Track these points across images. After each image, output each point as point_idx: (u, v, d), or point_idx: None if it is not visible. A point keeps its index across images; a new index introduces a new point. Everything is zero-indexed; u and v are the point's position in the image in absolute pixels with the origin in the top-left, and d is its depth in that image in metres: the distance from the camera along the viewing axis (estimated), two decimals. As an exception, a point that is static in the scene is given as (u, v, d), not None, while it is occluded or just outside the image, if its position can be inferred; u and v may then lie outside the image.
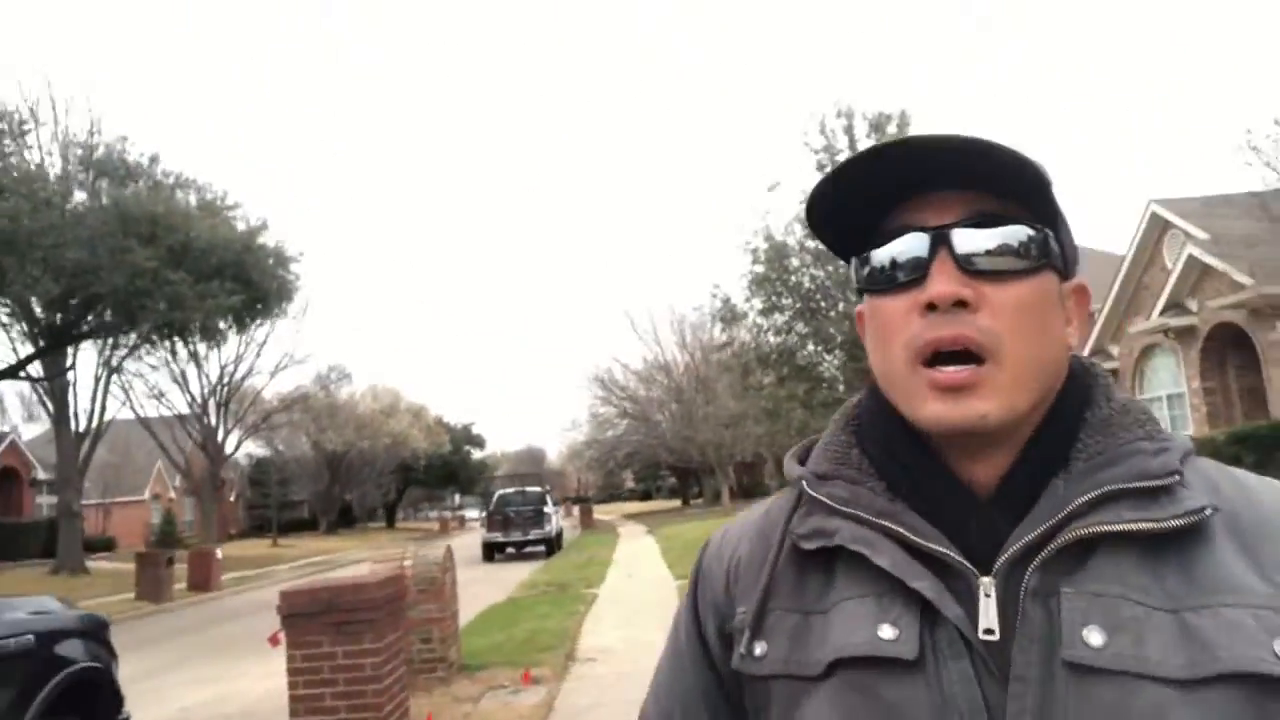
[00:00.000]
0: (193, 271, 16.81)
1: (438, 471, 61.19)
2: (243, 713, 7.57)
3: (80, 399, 25.15)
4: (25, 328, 19.73)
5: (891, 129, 22.12)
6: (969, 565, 0.71)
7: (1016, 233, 0.74)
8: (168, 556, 19.22)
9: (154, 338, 21.67)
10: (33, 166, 16.56)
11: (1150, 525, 0.69)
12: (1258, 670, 0.64)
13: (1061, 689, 0.66)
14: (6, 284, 14.50)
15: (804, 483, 0.82)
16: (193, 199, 19.58)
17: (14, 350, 19.39)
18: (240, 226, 20.01)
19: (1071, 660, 0.66)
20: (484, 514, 30.31)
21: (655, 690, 0.90)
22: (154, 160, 20.13)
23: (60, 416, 25.40)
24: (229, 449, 34.71)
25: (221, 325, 20.42)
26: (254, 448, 44.52)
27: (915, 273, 0.75)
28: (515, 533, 24.73)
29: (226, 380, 32.58)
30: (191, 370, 31.35)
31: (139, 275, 15.55)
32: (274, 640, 5.81)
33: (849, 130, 22.58)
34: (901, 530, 0.73)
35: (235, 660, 10.15)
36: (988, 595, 0.70)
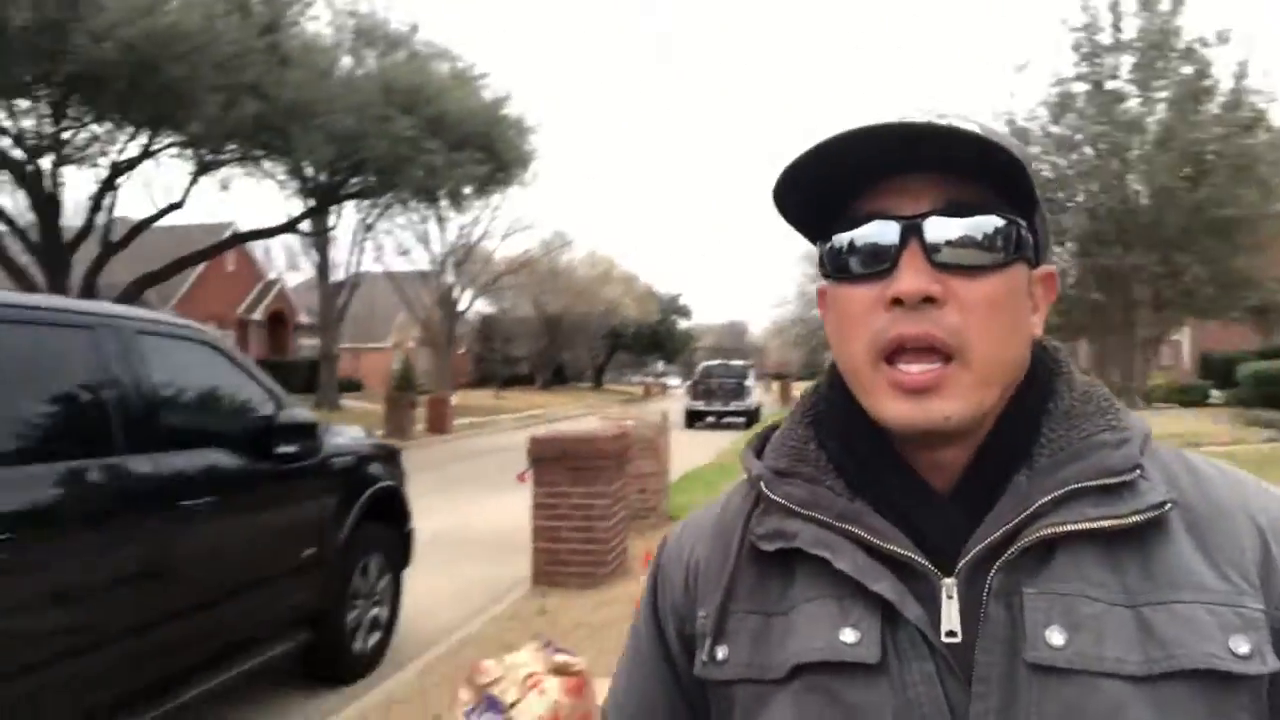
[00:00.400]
0: (446, 141, 18.20)
1: (644, 339, 63.39)
2: (485, 536, 8.80)
3: (339, 253, 28.05)
4: (298, 188, 22.06)
5: (1163, 5, 19.99)
6: (931, 567, 0.71)
7: (990, 224, 0.72)
8: (410, 400, 21.47)
9: (407, 201, 23.65)
10: (312, 36, 18.18)
11: (1112, 522, 0.69)
12: (1212, 667, 0.65)
13: (1024, 689, 0.67)
14: (291, 149, 16.37)
15: (762, 483, 0.80)
16: (445, 69, 20.90)
17: (287, 209, 21.83)
18: (487, 97, 21.28)
19: (1034, 661, 0.67)
20: (687, 383, 31.49)
21: (615, 694, 0.89)
22: (413, 30, 21.53)
23: (323, 268, 28.47)
24: (462, 306, 37.54)
25: (467, 192, 22.02)
26: (483, 306, 47.80)
27: (882, 263, 0.72)
28: (716, 403, 25.76)
29: (463, 241, 34.97)
30: (434, 231, 33.85)
31: (399, 143, 17.06)
32: (521, 478, 6.74)
33: (1115, 7, 20.60)
34: (862, 533, 0.73)
35: (472, 494, 11.57)
36: (950, 597, 0.70)
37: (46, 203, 17.19)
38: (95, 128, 16.69)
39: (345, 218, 28.22)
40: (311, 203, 21.84)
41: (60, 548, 3.02)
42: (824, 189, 0.75)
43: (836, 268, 0.76)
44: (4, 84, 14.27)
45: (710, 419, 25.95)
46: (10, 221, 17.51)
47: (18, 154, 16.57)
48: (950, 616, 0.70)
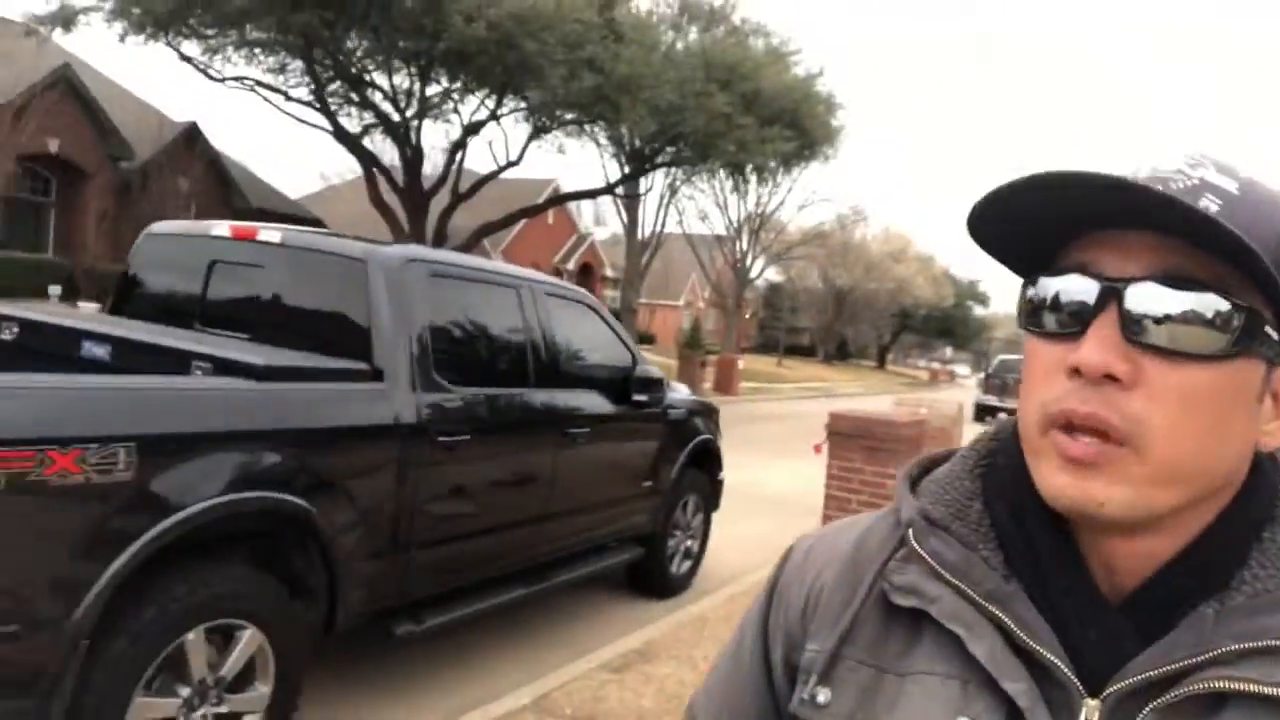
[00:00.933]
0: (758, 116, 18.95)
1: (935, 322, 61.31)
2: (774, 496, 9.51)
3: (644, 213, 29.86)
4: (617, 152, 23.77)
5: None
6: (1077, 682, 0.63)
7: (1212, 304, 0.60)
8: (700, 358, 22.62)
9: (715, 171, 24.75)
10: (642, 13, 19.53)
11: None
12: None
13: None
14: (619, 119, 17.81)
15: (911, 530, 0.73)
16: (761, 45, 21.60)
17: (605, 172, 23.55)
18: (799, 73, 21.77)
19: None
20: (979, 374, 30.32)
21: (709, 688, 0.85)
22: (732, 6, 22.41)
23: (631, 227, 30.38)
24: (753, 272, 38.46)
25: (772, 165, 22.73)
26: (772, 274, 48.53)
27: (1073, 325, 0.64)
28: (1010, 400, 24.80)
29: (759, 210, 35.75)
30: (733, 199, 34.91)
31: (715, 118, 18.00)
32: (818, 449, 7.32)
33: None
34: (1009, 621, 0.65)
35: (761, 456, 12.28)
36: None
37: (413, 153, 19.91)
38: (450, 87, 19.09)
39: (653, 180, 29.91)
40: (628, 168, 23.49)
41: (493, 450, 4.04)
42: (1038, 226, 0.66)
43: (1028, 316, 0.68)
44: (388, 51, 16.77)
45: (1003, 415, 25.01)
46: (383, 167, 20.45)
47: (388, 108, 19.33)
48: None
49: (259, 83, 18.60)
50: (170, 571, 2.70)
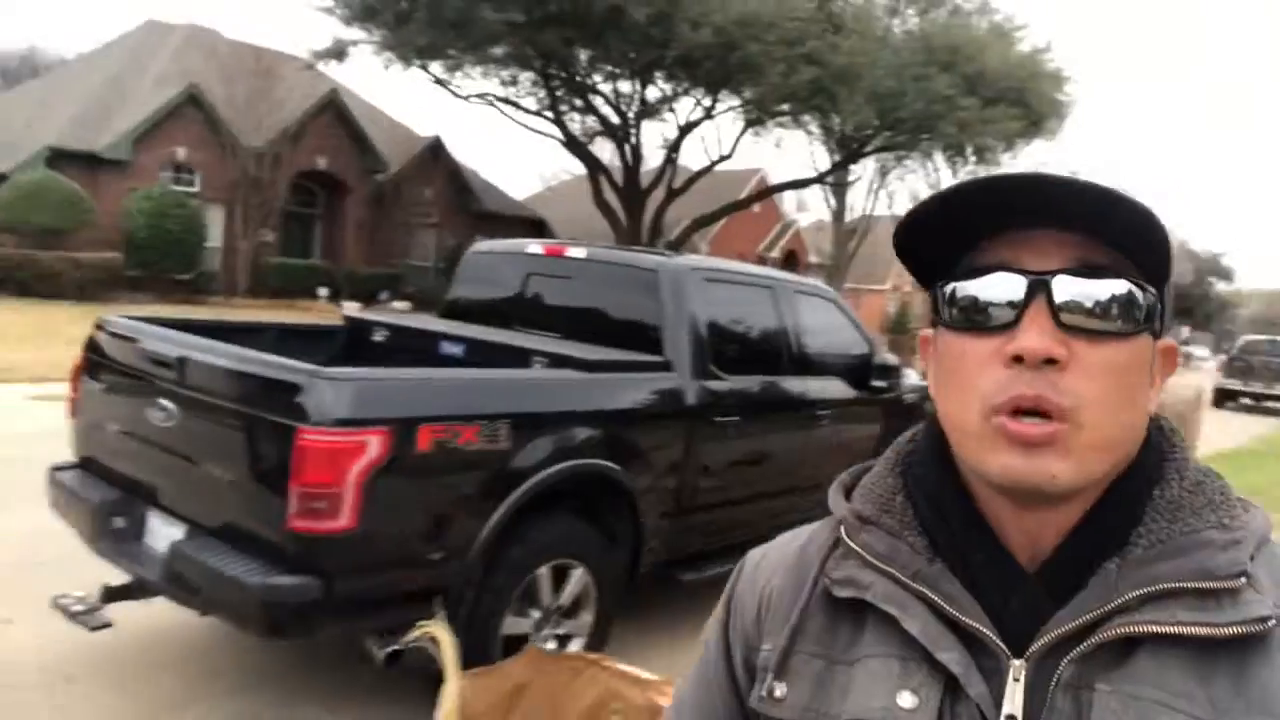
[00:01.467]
0: (980, 96, 18.57)
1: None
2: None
3: (853, 198, 29.68)
4: (827, 139, 23.87)
5: None
6: (1002, 645, 0.69)
7: (1122, 288, 0.69)
8: (910, 342, 22.45)
9: (931, 154, 24.34)
10: (862, 4, 19.56)
11: (1205, 631, 0.64)
12: None
13: None
14: (837, 110, 18.06)
15: (843, 527, 0.80)
16: (984, 24, 21.03)
17: (813, 160, 23.66)
18: (1024, 49, 21.03)
19: None
20: (1219, 356, 27.96)
21: (679, 703, 0.89)
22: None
23: (839, 213, 30.32)
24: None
25: (993, 144, 22.09)
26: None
27: (1005, 318, 0.69)
28: (1256, 383, 22.84)
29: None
30: (945, 177, 33.93)
31: (935, 101, 17.86)
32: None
33: None
34: (936, 598, 0.71)
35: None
36: (1016, 680, 0.68)
37: (632, 154, 20.98)
38: (669, 91, 19.94)
39: (862, 166, 29.66)
40: (839, 156, 23.56)
41: (755, 430, 4.66)
42: (947, 235, 0.73)
43: (953, 317, 0.73)
44: (616, 61, 17.83)
45: (1246, 400, 23.15)
46: (604, 169, 21.66)
47: (609, 113, 20.45)
48: (1014, 699, 0.68)
49: (497, 97, 20.25)
50: (528, 520, 3.48)
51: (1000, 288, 0.70)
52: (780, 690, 0.77)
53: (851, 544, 0.78)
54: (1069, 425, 0.68)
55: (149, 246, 19.16)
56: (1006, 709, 0.68)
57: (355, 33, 18.56)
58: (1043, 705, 0.67)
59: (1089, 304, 0.69)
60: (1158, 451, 0.76)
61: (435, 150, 26.02)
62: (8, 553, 4.58)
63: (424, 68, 18.97)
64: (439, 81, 19.66)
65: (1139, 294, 0.70)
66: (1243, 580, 0.66)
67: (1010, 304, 0.70)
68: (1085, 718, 0.65)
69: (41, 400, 8.50)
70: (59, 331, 12.30)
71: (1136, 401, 0.72)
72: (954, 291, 0.73)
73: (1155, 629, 0.66)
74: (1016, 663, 0.69)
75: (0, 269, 17.29)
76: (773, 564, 0.86)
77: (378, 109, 27.47)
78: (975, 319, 0.72)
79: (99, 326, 3.79)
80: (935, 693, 0.70)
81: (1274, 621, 0.65)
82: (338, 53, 19.14)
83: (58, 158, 19.54)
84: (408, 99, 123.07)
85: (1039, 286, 0.69)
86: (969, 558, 0.74)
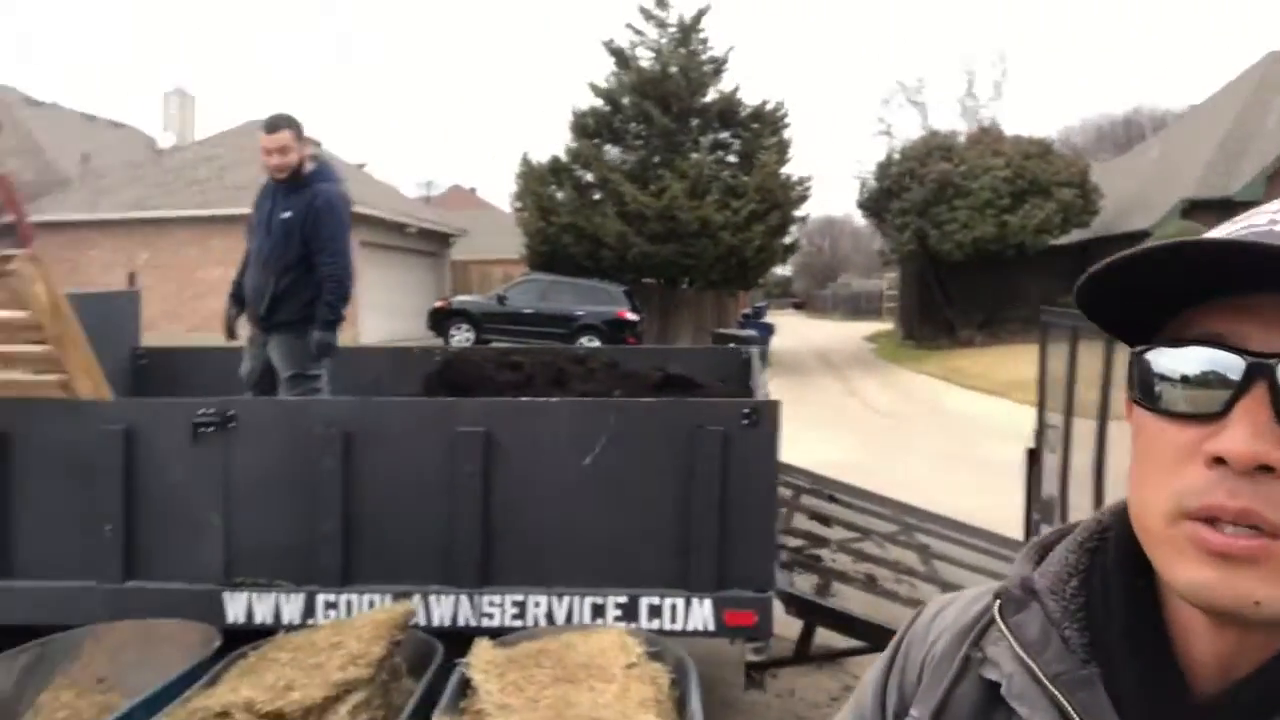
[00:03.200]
0: None
1: None
2: None
3: None
4: None
5: None
6: None
7: None
8: None
9: None
10: None
11: None
12: None
13: None
14: None
15: (999, 600, 0.70)
16: None
17: None
18: None
19: None
20: None
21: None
22: None
23: None
24: None
25: None
26: None
27: (1212, 406, 0.57)
28: None
29: None
30: None
31: None
32: None
33: None
34: (1070, 710, 0.62)
35: None
36: None
37: None
38: None
39: None
40: None
41: None
42: (1149, 287, 0.61)
43: (1147, 393, 0.61)
44: None
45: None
46: None
47: None
48: None
49: None
50: None
51: (1210, 367, 0.57)
52: None
53: (1001, 622, 0.69)
54: None
55: None
56: None
57: None
58: None
59: None
60: None
61: None
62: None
63: None
64: None
65: None
66: None
67: (1221, 389, 0.56)
68: None
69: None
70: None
71: None
72: (1150, 362, 0.61)
73: None
74: None
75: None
76: (946, 621, 0.77)
77: None
78: (1173, 402, 0.59)
79: None
80: None
81: None
82: None
83: (1192, 208, 20.66)
84: None
85: (1260, 371, 0.55)
86: (1131, 666, 0.62)
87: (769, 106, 23.89)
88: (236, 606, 3.01)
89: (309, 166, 4.19)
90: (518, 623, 2.91)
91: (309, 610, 2.99)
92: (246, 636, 2.87)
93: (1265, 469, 0.54)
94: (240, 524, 3.06)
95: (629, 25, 24.10)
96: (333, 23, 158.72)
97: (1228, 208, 20.72)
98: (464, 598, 2.94)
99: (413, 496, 2.98)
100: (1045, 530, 0.93)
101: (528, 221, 22.83)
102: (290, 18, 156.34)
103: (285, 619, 2.99)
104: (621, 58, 24.08)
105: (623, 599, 2.87)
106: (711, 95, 23.67)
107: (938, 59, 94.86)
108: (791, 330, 24.12)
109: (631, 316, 18.35)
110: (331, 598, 2.99)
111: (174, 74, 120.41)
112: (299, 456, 3.02)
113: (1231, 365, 0.57)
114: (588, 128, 23.71)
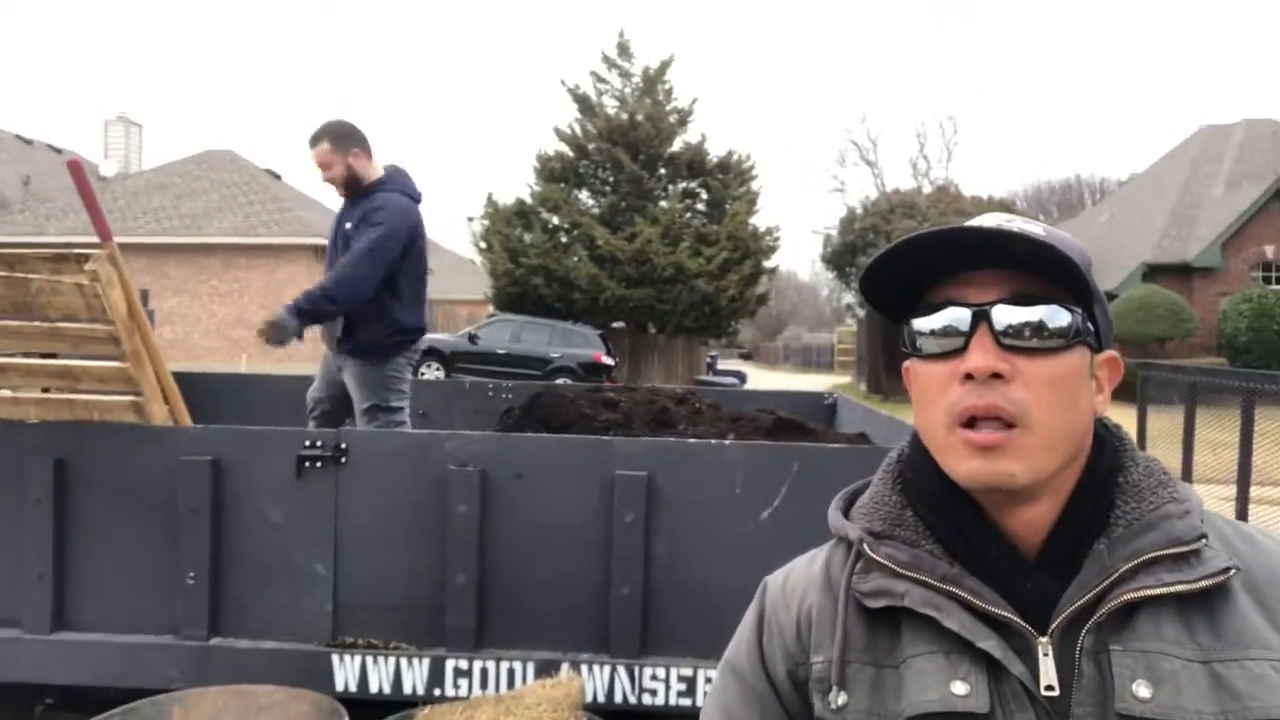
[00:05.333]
0: None
1: None
2: None
3: None
4: None
5: None
6: (1028, 627, 0.80)
7: (1051, 313, 0.82)
8: None
9: None
10: None
11: (1184, 587, 0.78)
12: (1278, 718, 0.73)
13: None
14: None
15: (864, 545, 0.88)
16: None
17: None
18: None
19: (1124, 712, 0.75)
20: None
21: (726, 708, 0.93)
22: None
23: None
24: None
25: None
26: None
27: (956, 344, 0.83)
28: None
29: None
30: None
31: None
32: None
33: None
34: (966, 595, 0.81)
35: None
36: (1046, 655, 0.79)
37: None
38: None
39: None
40: None
41: None
42: (908, 280, 0.88)
43: (917, 347, 0.87)
44: None
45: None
46: None
47: None
48: (1048, 672, 0.78)
49: None
50: None
51: (951, 319, 0.84)
52: (842, 699, 0.83)
53: (877, 557, 0.86)
54: (1020, 429, 0.80)
55: (1250, 350, 19.17)
56: (1044, 680, 0.78)
57: None
58: (1072, 672, 0.78)
59: (1023, 326, 0.82)
60: (1110, 444, 0.88)
61: None
62: None
63: None
64: None
65: (1067, 315, 0.83)
66: (1203, 541, 0.80)
67: (959, 332, 0.83)
68: (1108, 677, 0.76)
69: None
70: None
71: (1078, 405, 0.83)
72: (915, 326, 0.87)
73: (1149, 592, 0.78)
74: (1043, 640, 0.79)
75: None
76: (802, 583, 0.93)
77: None
78: (933, 347, 0.85)
79: None
80: (982, 677, 0.79)
81: (1234, 570, 0.79)
82: None
83: (1152, 271, 21.19)
84: None
85: (981, 315, 0.83)
86: (984, 556, 0.84)
87: (735, 157, 23.97)
88: (347, 671, 2.55)
89: (374, 173, 3.76)
90: (686, 701, 2.51)
91: (436, 678, 2.54)
92: (358, 708, 2.43)
93: (996, 376, 0.81)
94: (352, 575, 2.60)
95: (593, 73, 24.06)
96: (284, 55, 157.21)
97: (1185, 272, 21.46)
98: (621, 669, 2.53)
99: (561, 547, 2.58)
100: None
101: (495, 262, 22.39)
102: (247, 51, 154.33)
103: (407, 688, 2.53)
104: (586, 104, 23.95)
105: (809, 671, 2.49)
106: (678, 144, 23.64)
107: (889, 120, 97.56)
108: (754, 380, 23.93)
109: (608, 360, 17.98)
110: (463, 664, 2.55)
111: (109, 101, 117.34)
112: (425, 498, 2.60)
113: (963, 315, 0.83)
114: (554, 171, 23.47)
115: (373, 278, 3.53)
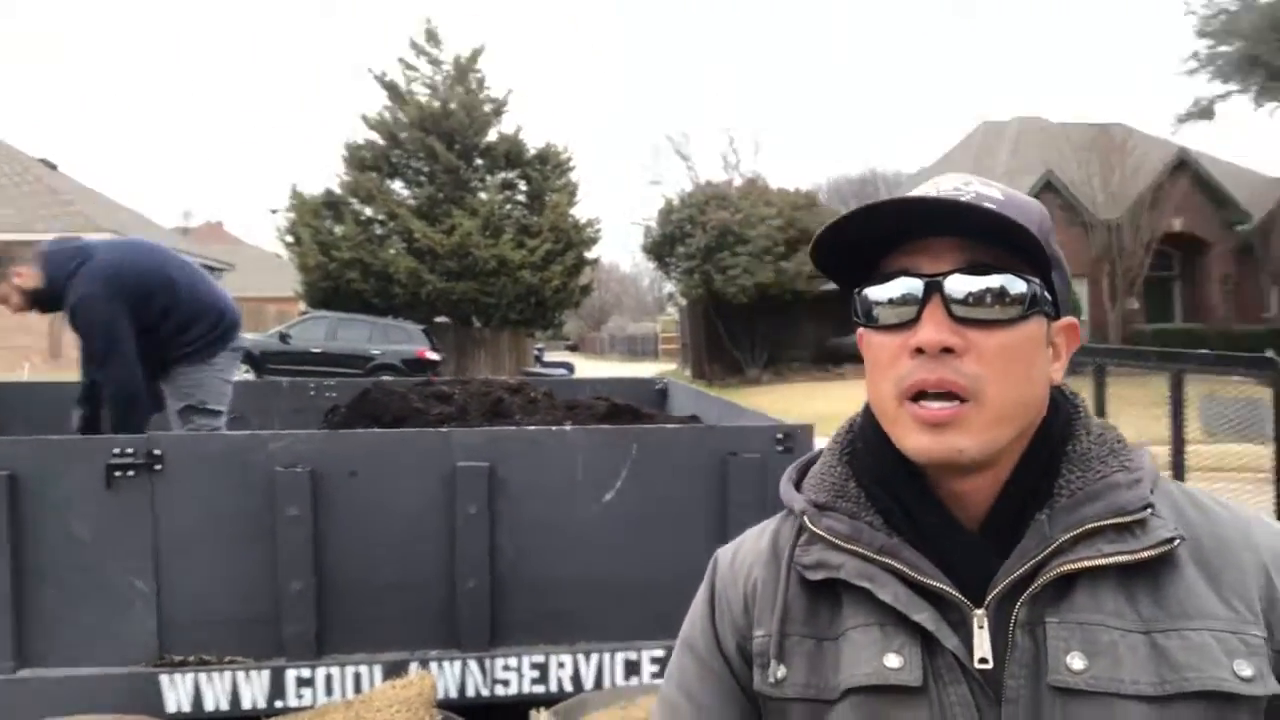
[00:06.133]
0: None
1: None
2: None
3: None
4: None
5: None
6: (964, 600, 0.78)
7: (1005, 282, 0.78)
8: None
9: None
10: None
11: (1125, 558, 0.75)
12: (1221, 689, 0.72)
13: (1049, 710, 0.74)
14: None
15: (805, 517, 0.86)
16: None
17: None
18: None
19: (1056, 684, 0.74)
20: None
21: (674, 707, 0.91)
22: None
23: None
24: None
25: None
26: None
27: (907, 315, 0.79)
28: None
29: None
30: None
31: None
32: None
33: None
34: (901, 567, 0.79)
35: None
36: (981, 627, 0.77)
37: None
38: None
39: None
40: None
41: None
42: (860, 247, 0.84)
43: (868, 317, 0.83)
44: None
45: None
46: None
47: None
48: (982, 645, 0.77)
49: None
50: None
51: (902, 289, 0.80)
52: (781, 672, 0.83)
53: (816, 529, 0.85)
54: (971, 403, 0.77)
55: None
56: (978, 653, 0.77)
57: (1221, 88, 18.04)
58: (1006, 645, 0.76)
59: (976, 297, 0.78)
60: (1064, 413, 0.85)
61: (1308, 190, 23.37)
62: None
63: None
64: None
65: (1022, 284, 0.79)
66: (1148, 511, 0.77)
67: (911, 303, 0.80)
68: (1042, 649, 0.75)
69: None
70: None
71: (1033, 377, 0.81)
72: (866, 295, 0.84)
73: (1087, 563, 0.76)
74: (979, 612, 0.77)
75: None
76: (749, 558, 0.92)
77: (1219, 159, 25.91)
78: (884, 318, 0.82)
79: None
80: (916, 650, 0.78)
81: (1177, 541, 0.76)
82: (1204, 112, 18.82)
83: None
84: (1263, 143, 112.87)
85: (933, 286, 0.79)
86: (923, 527, 0.82)
87: (553, 149, 23.94)
88: (179, 691, 2.39)
89: (37, 280, 3.28)
90: (539, 688, 2.52)
91: (277, 690, 2.43)
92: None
93: (947, 350, 0.77)
94: (176, 589, 2.44)
95: (401, 60, 23.34)
96: (52, 36, 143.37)
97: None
98: (472, 662, 2.51)
99: (402, 545, 2.52)
100: None
101: (304, 256, 21.38)
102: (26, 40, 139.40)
103: (246, 703, 2.41)
104: (395, 91, 23.23)
105: (658, 653, 2.55)
106: (494, 135, 23.35)
107: (700, 115, 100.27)
108: (582, 371, 24.09)
109: (433, 356, 17.56)
110: (305, 673, 2.45)
111: None
112: (252, 503, 2.47)
113: (916, 286, 0.79)
114: (364, 160, 22.65)
115: (129, 375, 3.26)
